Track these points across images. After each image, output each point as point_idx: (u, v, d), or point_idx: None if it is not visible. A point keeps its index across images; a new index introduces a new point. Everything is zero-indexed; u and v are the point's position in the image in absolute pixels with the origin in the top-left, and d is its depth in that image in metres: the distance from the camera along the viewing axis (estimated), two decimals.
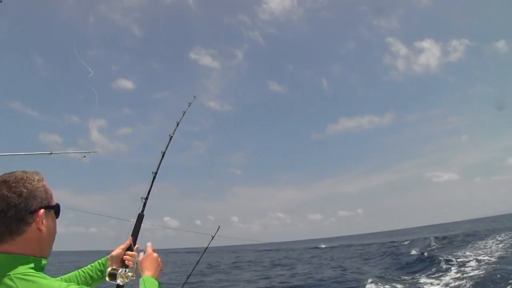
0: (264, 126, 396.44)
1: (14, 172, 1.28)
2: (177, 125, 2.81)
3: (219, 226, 3.38)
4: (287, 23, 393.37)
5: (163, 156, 2.61)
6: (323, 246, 54.48)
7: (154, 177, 2.48)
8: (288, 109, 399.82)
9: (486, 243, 20.32)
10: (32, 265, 1.21)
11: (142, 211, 2.28)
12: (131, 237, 2.08)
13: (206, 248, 3.48)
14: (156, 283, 1.63)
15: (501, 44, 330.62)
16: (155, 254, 1.78)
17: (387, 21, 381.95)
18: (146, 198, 2.35)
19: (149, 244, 1.84)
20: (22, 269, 1.18)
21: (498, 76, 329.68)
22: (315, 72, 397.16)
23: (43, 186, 1.30)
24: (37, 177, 1.30)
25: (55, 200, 1.36)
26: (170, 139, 2.71)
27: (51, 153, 4.24)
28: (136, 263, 1.78)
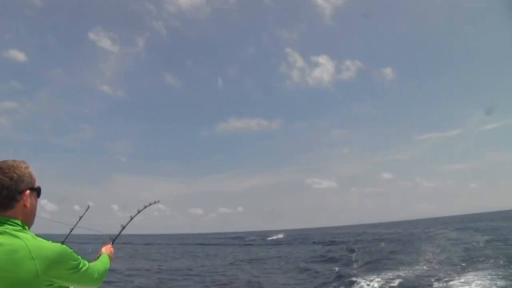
0: (155, 117, 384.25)
1: (6, 160, 1.64)
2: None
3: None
4: (193, 19, 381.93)
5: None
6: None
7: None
8: (181, 103, 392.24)
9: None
10: (20, 228, 1.55)
11: None
12: None
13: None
14: (108, 259, 2.17)
15: (388, 71, 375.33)
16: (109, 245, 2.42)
17: (289, 32, 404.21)
18: None
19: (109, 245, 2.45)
20: (14, 228, 1.52)
21: (382, 99, 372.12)
22: (212, 71, 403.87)
23: (29, 172, 1.67)
24: (24, 165, 1.66)
25: (37, 183, 1.73)
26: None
27: None
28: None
